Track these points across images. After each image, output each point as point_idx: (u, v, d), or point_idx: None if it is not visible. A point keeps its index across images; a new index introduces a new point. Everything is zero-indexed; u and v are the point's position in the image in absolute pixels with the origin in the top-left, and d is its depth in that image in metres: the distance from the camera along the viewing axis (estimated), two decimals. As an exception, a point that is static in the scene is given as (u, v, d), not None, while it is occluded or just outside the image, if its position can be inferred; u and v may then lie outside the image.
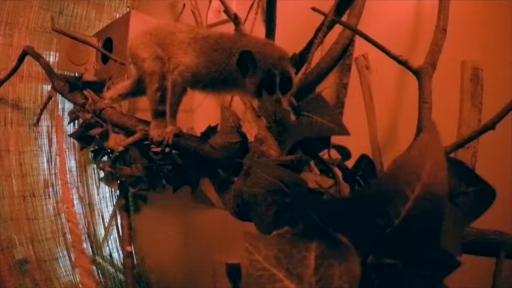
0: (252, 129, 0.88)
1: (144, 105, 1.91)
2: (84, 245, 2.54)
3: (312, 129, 0.64)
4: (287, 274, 0.38)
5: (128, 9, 2.63)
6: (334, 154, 0.83)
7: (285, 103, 0.98)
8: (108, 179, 1.64)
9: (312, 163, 0.75)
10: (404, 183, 0.36)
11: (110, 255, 2.63)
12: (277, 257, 0.40)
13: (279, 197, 0.57)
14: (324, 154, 0.80)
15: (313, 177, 0.64)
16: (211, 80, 1.10)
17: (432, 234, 0.39)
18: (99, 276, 2.57)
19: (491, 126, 0.92)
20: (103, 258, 2.63)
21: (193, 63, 1.10)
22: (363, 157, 0.78)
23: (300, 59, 1.13)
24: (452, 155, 1.03)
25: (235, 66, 1.02)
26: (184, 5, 2.11)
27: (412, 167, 0.36)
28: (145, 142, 1.28)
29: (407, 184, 0.36)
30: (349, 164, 0.90)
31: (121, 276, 2.49)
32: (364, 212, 0.39)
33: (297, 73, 1.13)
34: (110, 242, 2.65)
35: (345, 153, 0.84)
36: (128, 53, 1.31)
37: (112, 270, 2.61)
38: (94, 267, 2.57)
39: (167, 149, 1.18)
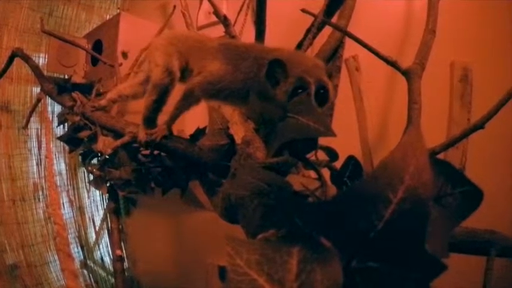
0: (239, 131, 0.87)
1: (133, 107, 1.91)
2: (75, 249, 2.53)
3: (297, 131, 0.63)
4: (268, 279, 0.37)
5: (118, 10, 2.61)
6: (323, 156, 0.83)
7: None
8: (97, 182, 1.62)
9: (300, 165, 0.74)
10: (387, 186, 0.36)
11: (101, 259, 2.61)
12: (259, 261, 0.39)
13: (265, 199, 0.57)
14: (312, 156, 0.79)
15: (299, 180, 0.64)
16: (235, 90, 1.00)
17: (417, 238, 0.38)
18: (90, 280, 2.55)
19: (480, 125, 0.92)
20: (94, 262, 2.62)
21: (220, 70, 1.02)
22: (350, 158, 0.78)
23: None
24: (442, 154, 1.04)
25: (264, 77, 0.92)
26: (174, 6, 2.10)
27: (394, 169, 0.35)
28: (134, 145, 1.26)
29: (390, 187, 0.36)
30: (339, 165, 0.89)
31: (113, 280, 2.47)
32: (347, 215, 0.38)
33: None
34: (101, 245, 2.63)
35: (333, 154, 0.83)
36: (149, 47, 1.26)
37: (104, 274, 2.59)
38: (85, 271, 2.55)
39: (156, 152, 1.17)
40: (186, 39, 1.18)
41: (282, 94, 0.88)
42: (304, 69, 0.88)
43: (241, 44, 1.10)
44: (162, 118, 1.18)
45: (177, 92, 1.13)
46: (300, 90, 0.85)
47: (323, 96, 0.88)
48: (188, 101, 1.10)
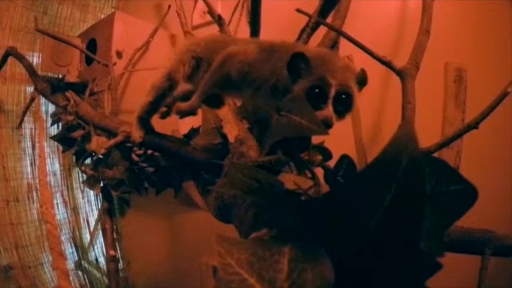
0: (232, 130, 0.86)
1: (127, 107, 1.90)
2: (70, 250, 2.51)
3: (290, 129, 0.63)
4: (259, 279, 0.36)
5: (113, 10, 2.60)
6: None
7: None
8: (91, 182, 1.61)
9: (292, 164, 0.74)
10: (380, 182, 0.35)
11: (96, 259, 2.60)
12: (249, 261, 0.38)
13: (257, 198, 0.56)
14: (306, 155, 0.79)
15: (292, 178, 0.63)
16: (262, 79, 0.91)
17: (411, 236, 0.38)
18: (85, 280, 2.53)
19: (474, 125, 0.93)
20: (89, 262, 2.60)
21: (254, 52, 0.93)
22: (344, 157, 0.77)
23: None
24: (436, 154, 1.04)
25: (285, 72, 0.84)
26: (169, 6, 2.10)
27: (388, 165, 0.35)
28: (128, 144, 1.26)
29: (383, 184, 0.35)
30: (333, 164, 0.89)
31: (107, 280, 2.46)
32: (339, 213, 0.37)
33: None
34: (96, 246, 2.62)
35: (326, 153, 0.83)
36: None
37: (98, 274, 2.57)
38: (80, 272, 2.53)
39: (149, 151, 1.16)
40: (206, 43, 1.10)
41: (299, 91, 0.81)
42: (330, 70, 0.80)
43: (270, 40, 1.01)
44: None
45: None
46: (317, 90, 0.78)
47: (345, 103, 0.80)
48: (223, 69, 0.97)
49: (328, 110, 0.78)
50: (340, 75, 0.80)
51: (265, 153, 0.69)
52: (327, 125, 0.76)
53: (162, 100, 1.12)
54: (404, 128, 0.35)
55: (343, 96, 0.79)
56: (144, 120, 1.16)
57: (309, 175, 0.73)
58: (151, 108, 1.13)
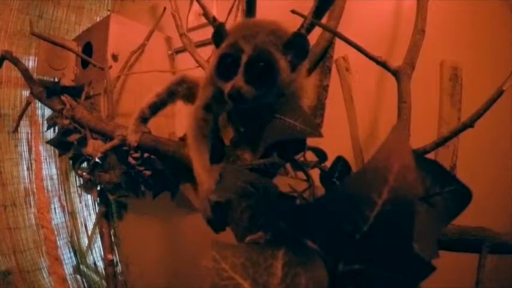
0: (228, 133, 0.86)
1: (123, 110, 1.89)
2: (68, 254, 2.50)
3: (284, 132, 0.62)
4: (253, 283, 0.36)
5: (108, 12, 2.59)
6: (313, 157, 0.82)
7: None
8: (88, 186, 1.60)
9: (289, 166, 0.74)
10: (371, 187, 0.35)
11: (94, 263, 2.59)
12: (244, 265, 0.38)
13: (252, 201, 0.56)
14: (301, 157, 0.78)
15: (287, 181, 0.63)
16: None
17: (403, 239, 0.38)
18: (83, 285, 2.52)
19: (470, 124, 0.93)
20: (87, 266, 2.59)
21: None
22: (339, 159, 0.77)
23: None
24: (433, 153, 1.04)
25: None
26: (164, 8, 2.10)
27: (378, 170, 0.35)
28: (124, 148, 1.25)
29: (375, 188, 0.35)
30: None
31: (106, 284, 2.45)
32: (332, 217, 0.37)
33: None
34: (94, 250, 2.61)
35: (321, 155, 0.82)
36: None
37: (97, 278, 2.56)
38: (78, 276, 2.53)
39: (146, 154, 1.16)
40: None
41: (214, 61, 0.74)
42: (246, 35, 0.71)
43: None
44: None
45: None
46: (229, 59, 0.71)
47: (261, 70, 0.70)
48: None
49: (237, 79, 0.69)
50: (258, 41, 0.70)
51: (260, 156, 0.68)
52: (233, 96, 0.69)
53: (169, 98, 1.13)
54: (396, 133, 0.35)
55: (261, 63, 0.70)
56: (143, 119, 1.16)
57: (304, 177, 0.73)
58: (156, 102, 1.13)
